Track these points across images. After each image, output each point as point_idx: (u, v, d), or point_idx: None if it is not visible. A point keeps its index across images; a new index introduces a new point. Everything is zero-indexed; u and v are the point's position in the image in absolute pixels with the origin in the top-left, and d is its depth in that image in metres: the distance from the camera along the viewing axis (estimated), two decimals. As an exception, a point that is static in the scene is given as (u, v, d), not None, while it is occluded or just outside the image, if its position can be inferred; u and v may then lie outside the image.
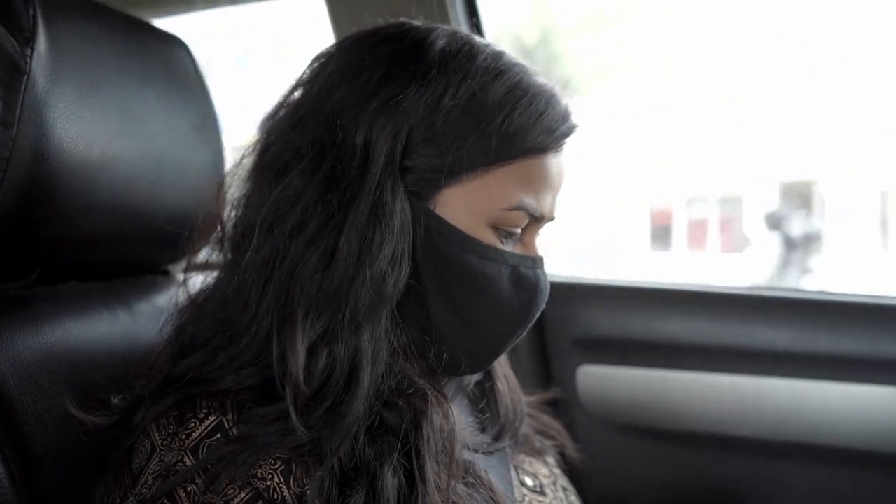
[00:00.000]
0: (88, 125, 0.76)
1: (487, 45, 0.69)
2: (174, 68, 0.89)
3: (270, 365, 0.62)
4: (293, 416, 0.59)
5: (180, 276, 0.77)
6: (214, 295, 0.70)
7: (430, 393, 0.65)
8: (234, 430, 0.60)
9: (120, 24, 0.85)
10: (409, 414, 0.64)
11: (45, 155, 0.72)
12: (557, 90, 0.70)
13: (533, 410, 0.89)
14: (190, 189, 0.87)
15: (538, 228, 0.72)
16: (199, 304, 0.70)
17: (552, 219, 0.73)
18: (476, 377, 0.77)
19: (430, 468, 0.62)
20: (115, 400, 0.68)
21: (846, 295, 1.12)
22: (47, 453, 0.69)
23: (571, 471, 0.91)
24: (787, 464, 1.13)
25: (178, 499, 0.58)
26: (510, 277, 0.68)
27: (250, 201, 0.69)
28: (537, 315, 0.72)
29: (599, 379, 1.21)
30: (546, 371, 1.25)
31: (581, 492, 0.91)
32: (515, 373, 0.87)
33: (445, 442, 0.65)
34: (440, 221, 0.66)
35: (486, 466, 0.72)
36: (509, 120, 0.65)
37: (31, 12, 0.70)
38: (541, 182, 0.68)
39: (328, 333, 0.62)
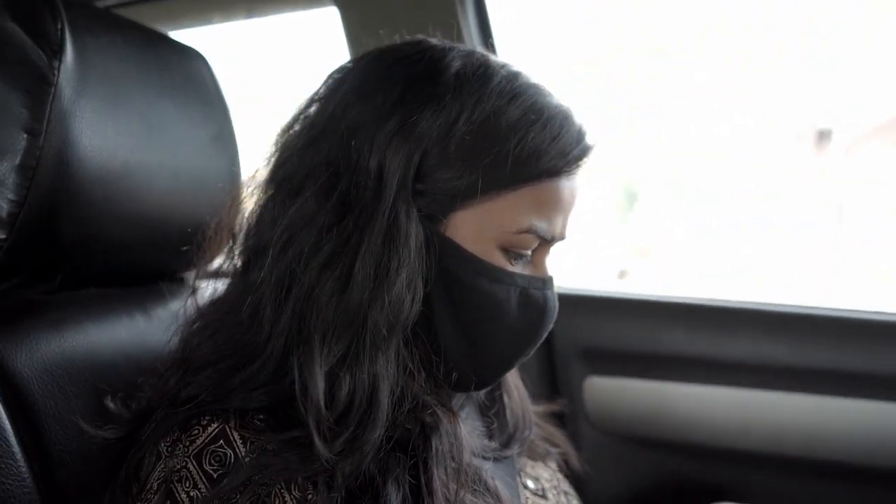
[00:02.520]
0: (112, 135, 0.78)
1: (503, 66, 0.70)
2: (193, 80, 0.91)
3: (283, 388, 0.62)
4: (318, 442, 0.59)
5: (204, 282, 0.78)
6: (224, 308, 0.70)
7: (437, 409, 0.66)
8: (235, 435, 0.60)
9: (142, 37, 0.87)
10: (417, 429, 0.64)
11: (70, 164, 0.74)
12: (572, 111, 0.70)
13: (537, 418, 0.90)
14: (207, 198, 0.89)
15: (548, 249, 0.72)
16: (208, 318, 0.71)
17: (563, 239, 0.73)
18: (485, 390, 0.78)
19: (438, 480, 0.63)
20: (125, 410, 0.69)
21: (847, 311, 1.14)
22: (68, 454, 0.71)
23: (576, 480, 0.93)
24: (789, 477, 1.14)
25: (180, 500, 0.59)
26: (519, 299, 0.69)
27: (263, 217, 0.69)
28: (545, 335, 0.72)
29: (605, 390, 1.23)
30: (553, 381, 1.27)
31: (585, 501, 0.92)
32: (523, 382, 0.88)
33: (454, 452, 0.65)
34: (452, 245, 0.66)
35: (493, 472, 0.73)
36: (523, 143, 0.65)
37: (59, 26, 0.73)
38: (553, 205, 0.68)
39: (348, 358, 0.62)
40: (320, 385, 0.60)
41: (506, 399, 0.82)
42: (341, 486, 0.59)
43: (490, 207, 0.66)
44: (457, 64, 0.68)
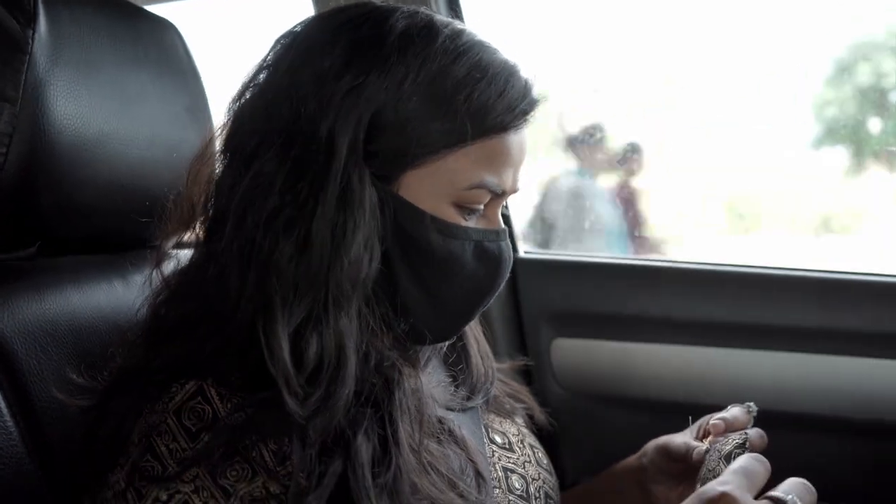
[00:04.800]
0: (86, 104, 0.80)
1: (447, 25, 0.71)
2: (166, 51, 0.93)
3: (256, 352, 0.63)
4: (288, 402, 0.60)
5: (170, 251, 0.79)
6: (189, 278, 0.72)
7: (398, 363, 0.68)
8: (213, 392, 0.63)
9: (114, 8, 0.89)
10: (381, 383, 0.66)
11: (46, 131, 0.76)
12: (518, 67, 0.72)
13: (504, 376, 0.93)
14: (181, 167, 0.90)
15: (501, 203, 0.74)
16: (174, 287, 0.72)
17: (515, 192, 0.75)
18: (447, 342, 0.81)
19: (404, 431, 0.65)
20: (96, 382, 0.70)
21: (807, 270, 1.19)
22: (52, 410, 0.73)
23: (545, 438, 0.96)
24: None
25: (160, 455, 0.61)
26: (474, 252, 0.71)
27: (222, 186, 0.70)
28: (502, 284, 0.75)
29: (573, 351, 1.27)
30: (521, 344, 1.31)
31: (555, 459, 0.96)
32: (491, 347, 0.91)
33: (417, 404, 0.68)
34: (406, 204, 0.68)
35: (460, 423, 0.76)
36: (470, 101, 0.67)
37: None
38: (502, 160, 0.71)
39: (312, 319, 0.64)
40: (285, 347, 0.62)
41: (469, 348, 0.85)
42: (315, 441, 0.61)
43: (440, 166, 0.68)
44: (401, 25, 0.69)
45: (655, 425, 1.23)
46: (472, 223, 0.72)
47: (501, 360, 0.96)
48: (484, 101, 0.68)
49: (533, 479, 0.82)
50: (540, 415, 0.95)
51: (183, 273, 0.73)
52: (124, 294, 0.88)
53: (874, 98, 1.48)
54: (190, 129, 0.94)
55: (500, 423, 0.86)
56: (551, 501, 0.83)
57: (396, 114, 0.67)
